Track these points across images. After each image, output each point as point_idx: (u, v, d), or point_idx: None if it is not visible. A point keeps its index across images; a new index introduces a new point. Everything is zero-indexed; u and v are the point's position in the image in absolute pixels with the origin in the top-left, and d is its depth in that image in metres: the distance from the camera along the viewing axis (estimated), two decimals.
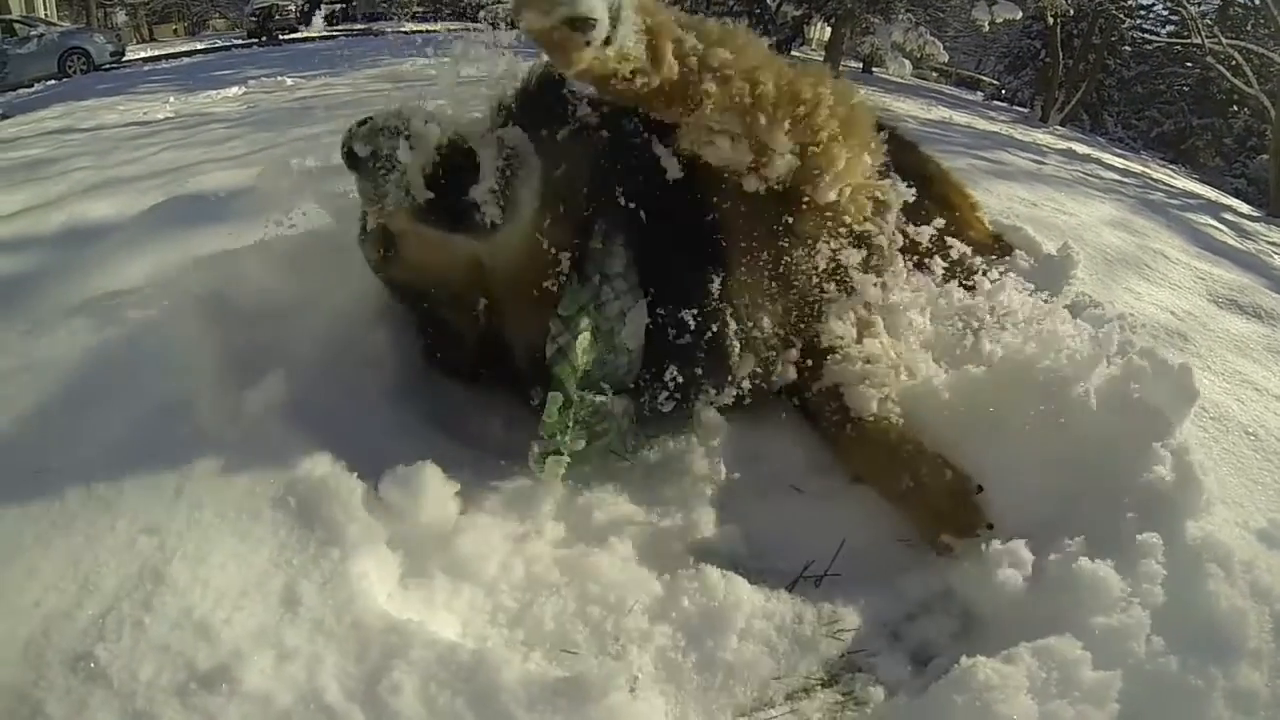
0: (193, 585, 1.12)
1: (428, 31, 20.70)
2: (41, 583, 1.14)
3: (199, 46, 22.10)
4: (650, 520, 1.45)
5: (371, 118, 1.35)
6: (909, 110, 9.12)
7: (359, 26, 25.44)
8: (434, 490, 1.31)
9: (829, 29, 17.55)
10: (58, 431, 1.42)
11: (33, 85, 15.20)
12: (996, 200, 3.38)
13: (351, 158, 1.34)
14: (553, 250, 1.45)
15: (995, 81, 29.39)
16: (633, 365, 1.48)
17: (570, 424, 1.40)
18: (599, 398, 1.44)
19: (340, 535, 1.21)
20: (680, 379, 1.47)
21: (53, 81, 15.58)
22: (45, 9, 26.79)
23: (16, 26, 17.59)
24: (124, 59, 18.05)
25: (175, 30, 33.62)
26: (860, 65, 18.97)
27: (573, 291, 1.43)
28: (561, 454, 1.40)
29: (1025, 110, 21.17)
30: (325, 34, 22.35)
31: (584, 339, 1.40)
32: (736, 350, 1.52)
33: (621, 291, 1.45)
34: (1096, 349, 1.62)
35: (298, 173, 1.90)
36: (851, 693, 1.22)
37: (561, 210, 1.46)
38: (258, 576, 1.15)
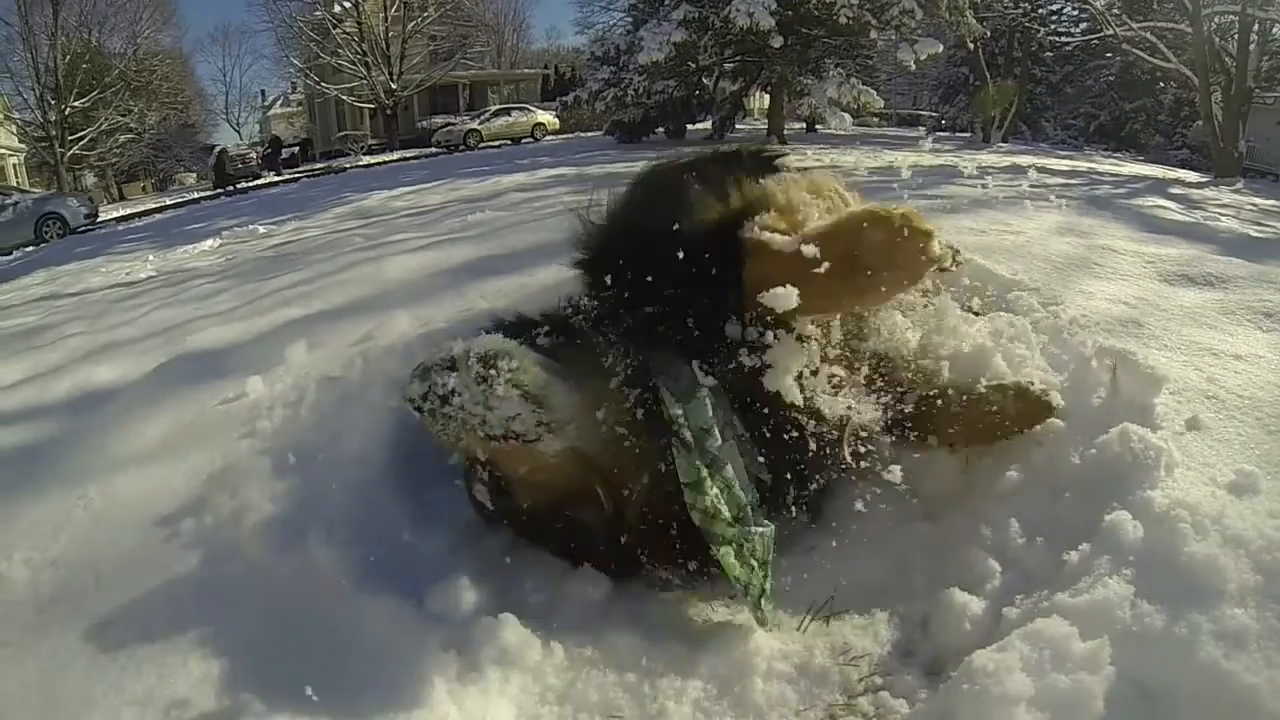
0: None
1: (384, 163, 21.37)
2: None
3: (168, 202, 22.55)
4: (663, 594, 1.58)
5: (421, 362, 1.47)
6: (857, 161, 9.23)
7: (319, 166, 26.33)
8: (472, 597, 1.50)
9: (768, 97, 18.20)
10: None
11: (11, 253, 15.36)
12: (947, 239, 3.44)
13: (414, 404, 1.44)
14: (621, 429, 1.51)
15: (934, 114, 30.49)
16: (762, 491, 1.56)
17: (754, 565, 1.46)
18: (759, 529, 1.49)
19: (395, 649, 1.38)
20: (797, 487, 1.61)
21: (31, 248, 15.67)
22: (17, 177, 27.50)
23: None
24: (98, 220, 18.27)
25: (144, 188, 34.42)
26: (804, 126, 19.50)
27: (681, 460, 1.46)
28: (766, 592, 1.47)
29: (967, 135, 21.86)
30: (288, 177, 23.00)
31: (718, 494, 1.45)
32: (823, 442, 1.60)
33: (722, 439, 1.49)
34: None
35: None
36: (872, 711, 1.33)
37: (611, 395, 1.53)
38: None
